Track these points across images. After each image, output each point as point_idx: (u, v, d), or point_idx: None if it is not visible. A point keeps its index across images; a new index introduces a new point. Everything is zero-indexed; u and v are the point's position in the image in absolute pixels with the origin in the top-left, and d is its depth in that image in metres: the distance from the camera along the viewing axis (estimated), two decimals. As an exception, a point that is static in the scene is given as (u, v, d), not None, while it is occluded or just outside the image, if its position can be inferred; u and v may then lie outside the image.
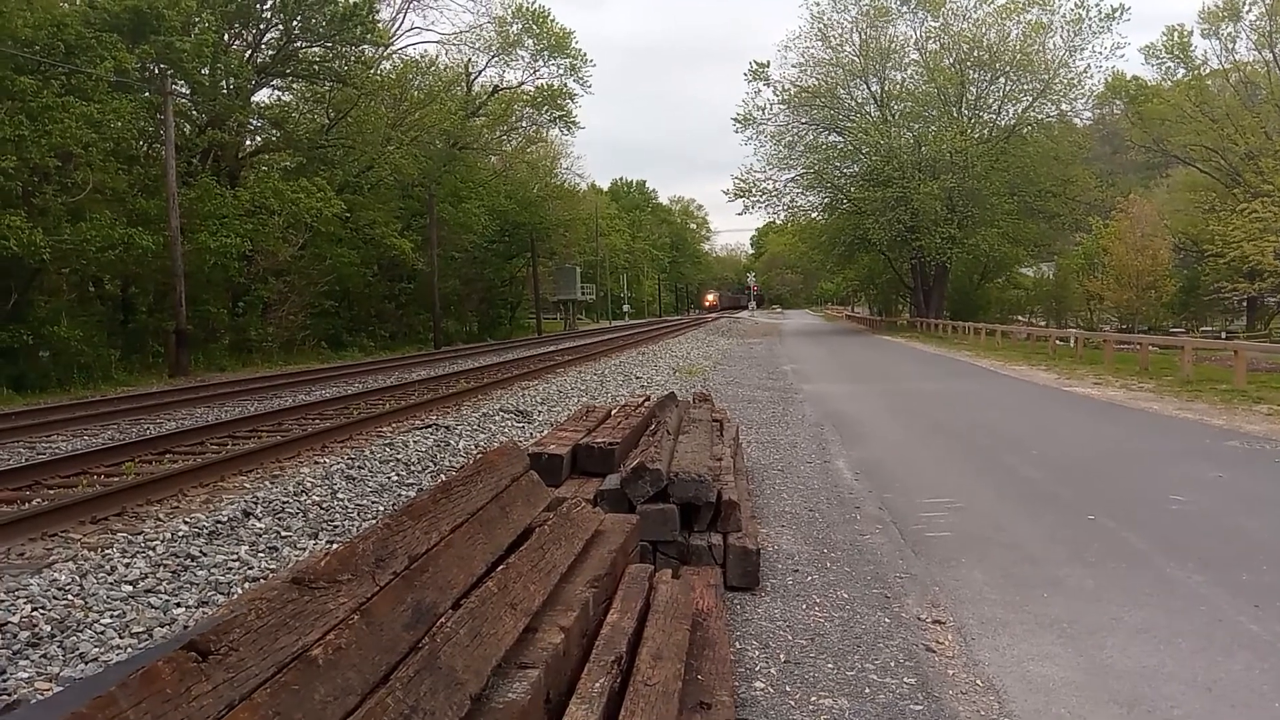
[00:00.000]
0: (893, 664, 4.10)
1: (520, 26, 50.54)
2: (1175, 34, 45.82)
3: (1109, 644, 4.33)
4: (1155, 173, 55.74)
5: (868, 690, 3.82)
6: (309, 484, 7.69)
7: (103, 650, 4.31)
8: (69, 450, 10.70)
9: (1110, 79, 48.85)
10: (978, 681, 3.95)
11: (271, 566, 5.64)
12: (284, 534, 6.39)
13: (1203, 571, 5.38)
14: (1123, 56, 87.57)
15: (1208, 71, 45.87)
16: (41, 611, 4.63)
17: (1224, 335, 39.35)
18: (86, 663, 4.18)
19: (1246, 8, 42.02)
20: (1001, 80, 44.73)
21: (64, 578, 5.13)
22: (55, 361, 21.66)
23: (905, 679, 3.94)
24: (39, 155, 20.44)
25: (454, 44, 49.91)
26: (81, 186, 22.25)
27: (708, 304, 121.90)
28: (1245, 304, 46.53)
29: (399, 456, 9.12)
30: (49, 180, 21.58)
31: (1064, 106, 45.70)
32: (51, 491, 8.34)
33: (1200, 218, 42.52)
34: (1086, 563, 5.62)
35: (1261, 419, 12.10)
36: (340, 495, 7.51)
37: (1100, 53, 53.66)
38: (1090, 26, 42.79)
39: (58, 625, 4.51)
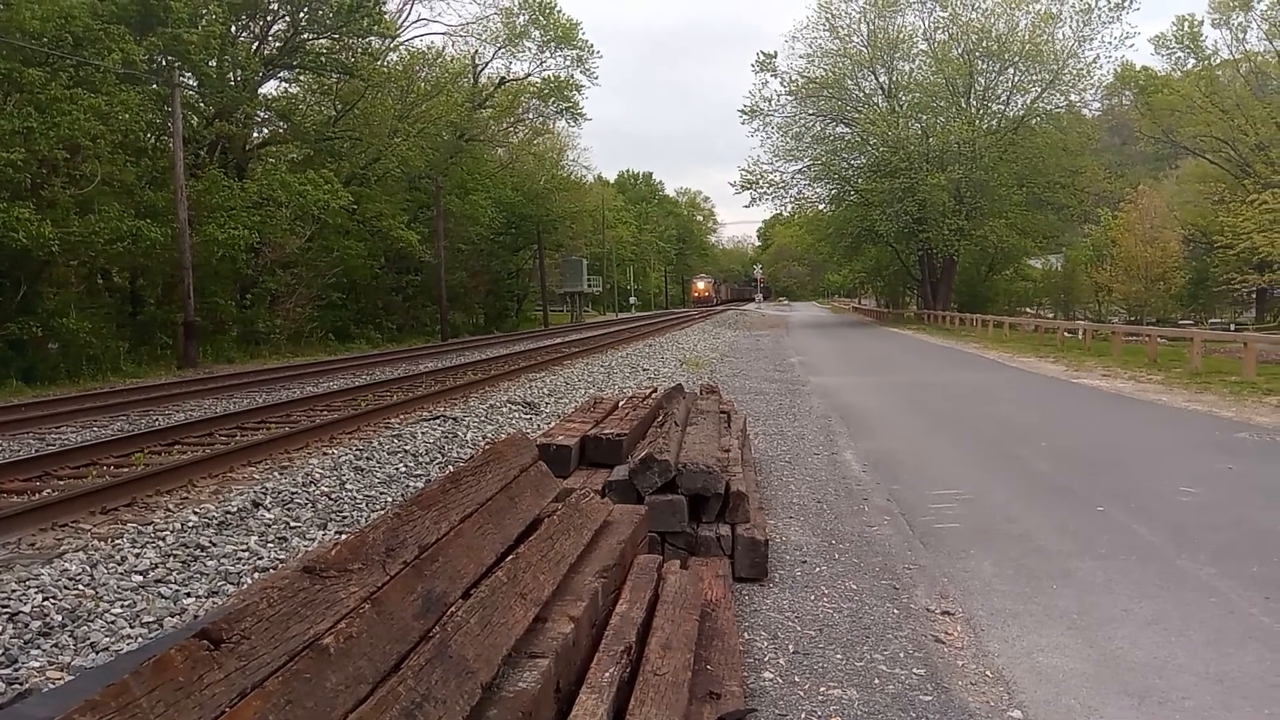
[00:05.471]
0: (902, 655, 4.09)
1: (527, 18, 50.47)
2: (1185, 24, 45.67)
3: (1119, 635, 4.31)
4: (1164, 164, 55.52)
5: (877, 681, 3.81)
6: (317, 475, 7.70)
7: (114, 640, 4.33)
8: (79, 441, 10.72)
9: (1119, 69, 48.64)
10: (987, 672, 3.94)
11: (281, 557, 5.65)
12: (293, 524, 6.40)
13: (1214, 563, 5.36)
14: (1132, 46, 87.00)
15: (1218, 62, 45.67)
16: (53, 601, 4.65)
17: (1233, 327, 39.16)
18: (98, 652, 4.19)
19: (1258, -3, 41.81)
20: (1010, 71, 44.51)
21: (75, 568, 5.15)
22: (64, 353, 21.74)
23: (914, 670, 3.93)
24: (47, 147, 20.49)
25: (461, 35, 49.80)
26: (90, 178, 22.30)
27: (697, 294, 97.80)
28: (1255, 295, 46.35)
29: (407, 448, 9.13)
30: (57, 172, 21.65)
31: (1073, 97, 45.59)
32: (61, 482, 8.37)
33: (1210, 209, 42.41)
34: (1096, 554, 5.60)
35: (1271, 410, 12.02)
36: (349, 486, 7.52)
37: (1109, 43, 53.09)
38: (1100, 16, 42.62)
39: (69, 615, 4.53)
